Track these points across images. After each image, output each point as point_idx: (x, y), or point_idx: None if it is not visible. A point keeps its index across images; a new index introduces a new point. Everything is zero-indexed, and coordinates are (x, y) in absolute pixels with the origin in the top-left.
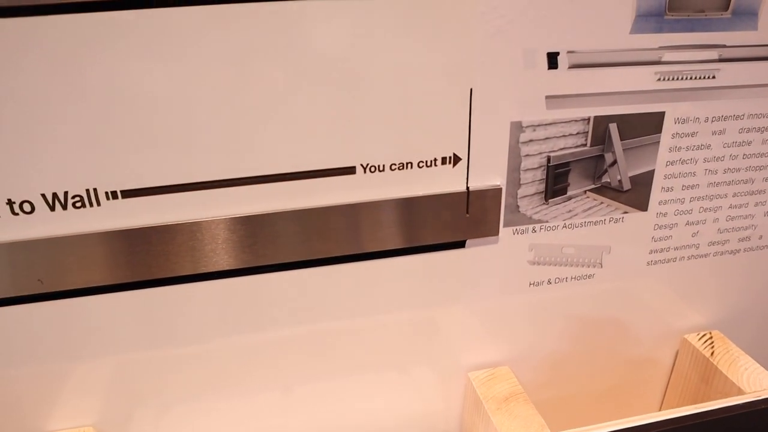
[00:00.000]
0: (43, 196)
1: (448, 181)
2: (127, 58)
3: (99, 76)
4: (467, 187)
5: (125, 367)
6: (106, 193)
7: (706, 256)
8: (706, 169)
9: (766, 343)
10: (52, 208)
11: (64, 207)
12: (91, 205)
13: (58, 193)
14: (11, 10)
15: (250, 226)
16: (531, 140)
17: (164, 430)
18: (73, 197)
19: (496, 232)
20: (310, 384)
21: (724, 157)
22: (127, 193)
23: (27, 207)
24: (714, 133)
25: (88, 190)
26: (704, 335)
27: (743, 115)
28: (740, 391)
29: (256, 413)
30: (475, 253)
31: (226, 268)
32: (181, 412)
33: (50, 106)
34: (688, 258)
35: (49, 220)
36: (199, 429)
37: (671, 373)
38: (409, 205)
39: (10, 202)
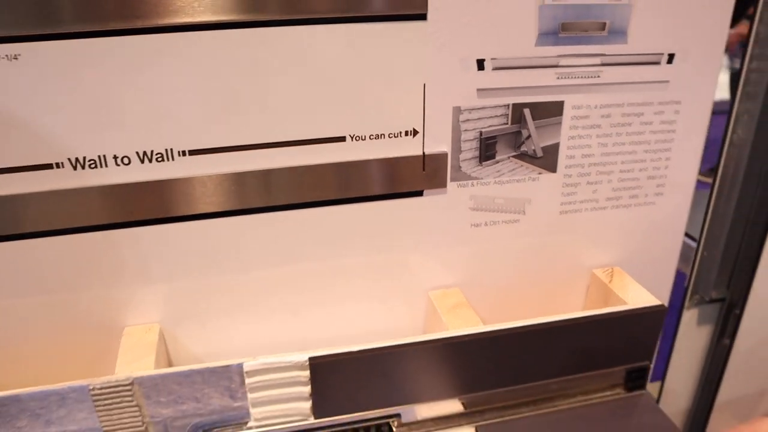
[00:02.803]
0: (137, 153)
1: (410, 148)
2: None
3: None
4: (423, 152)
5: (182, 289)
6: (181, 151)
7: (604, 208)
8: (598, 143)
9: (652, 276)
10: (142, 161)
11: (150, 160)
12: (167, 159)
13: (146, 151)
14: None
15: (275, 178)
16: (468, 120)
17: (209, 330)
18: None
19: (444, 185)
20: (309, 309)
21: (611, 134)
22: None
23: (125, 160)
24: (602, 116)
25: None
26: (608, 270)
27: (623, 104)
28: (625, 304)
29: (270, 327)
30: (430, 200)
31: (246, 206)
32: (220, 323)
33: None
34: (591, 209)
35: (147, 170)
36: (233, 334)
37: (585, 301)
38: (383, 164)
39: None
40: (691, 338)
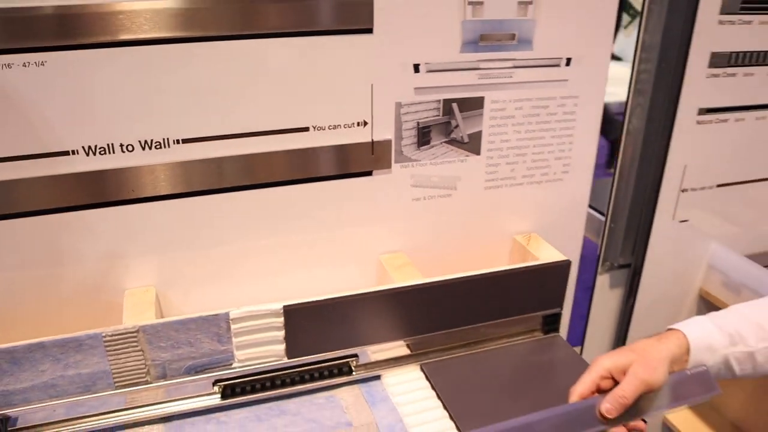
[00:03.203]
0: (143, 140)
1: (361, 136)
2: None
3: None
4: (372, 139)
5: (172, 257)
6: (176, 140)
7: (521, 184)
8: (514, 130)
9: (563, 239)
10: (143, 149)
11: (150, 147)
12: (160, 147)
13: (147, 140)
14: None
15: (252, 161)
16: (407, 112)
17: (195, 293)
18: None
19: (389, 166)
20: (280, 274)
21: (524, 123)
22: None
23: (130, 148)
24: (516, 109)
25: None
26: (526, 235)
27: (532, 98)
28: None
29: (247, 291)
30: (378, 179)
31: (239, 183)
32: (205, 287)
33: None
34: (510, 185)
35: (147, 156)
36: (215, 296)
37: (508, 261)
38: (339, 149)
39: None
40: (605, 300)
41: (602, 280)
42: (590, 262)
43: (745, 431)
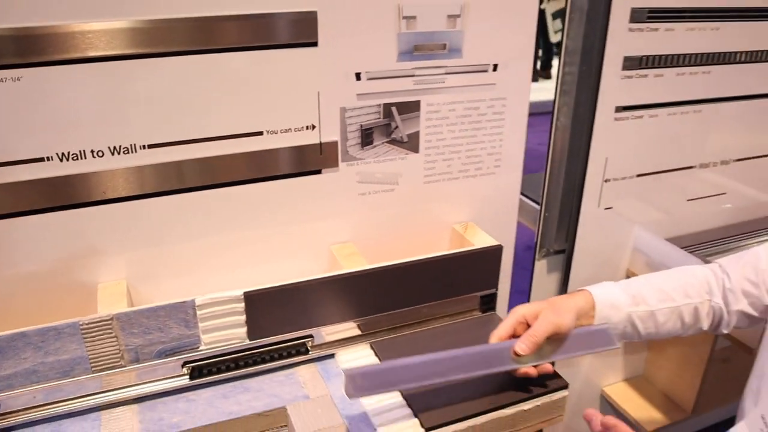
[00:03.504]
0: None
1: (310, 138)
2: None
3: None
4: (320, 141)
5: (141, 252)
6: (142, 145)
7: (457, 178)
8: (448, 130)
9: (498, 227)
10: (113, 154)
11: (119, 153)
12: (122, 153)
13: (116, 146)
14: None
15: (212, 163)
16: (351, 116)
17: (164, 286)
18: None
19: (336, 165)
20: (243, 267)
21: (457, 123)
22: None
23: (100, 153)
24: (449, 110)
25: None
26: (463, 224)
27: (464, 101)
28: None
29: (212, 283)
30: (327, 177)
31: (201, 183)
32: (173, 279)
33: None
34: (447, 180)
35: (116, 160)
36: (183, 288)
37: (448, 248)
38: (291, 151)
39: (85, 151)
40: (544, 284)
41: (540, 266)
42: (531, 250)
43: (673, 399)
